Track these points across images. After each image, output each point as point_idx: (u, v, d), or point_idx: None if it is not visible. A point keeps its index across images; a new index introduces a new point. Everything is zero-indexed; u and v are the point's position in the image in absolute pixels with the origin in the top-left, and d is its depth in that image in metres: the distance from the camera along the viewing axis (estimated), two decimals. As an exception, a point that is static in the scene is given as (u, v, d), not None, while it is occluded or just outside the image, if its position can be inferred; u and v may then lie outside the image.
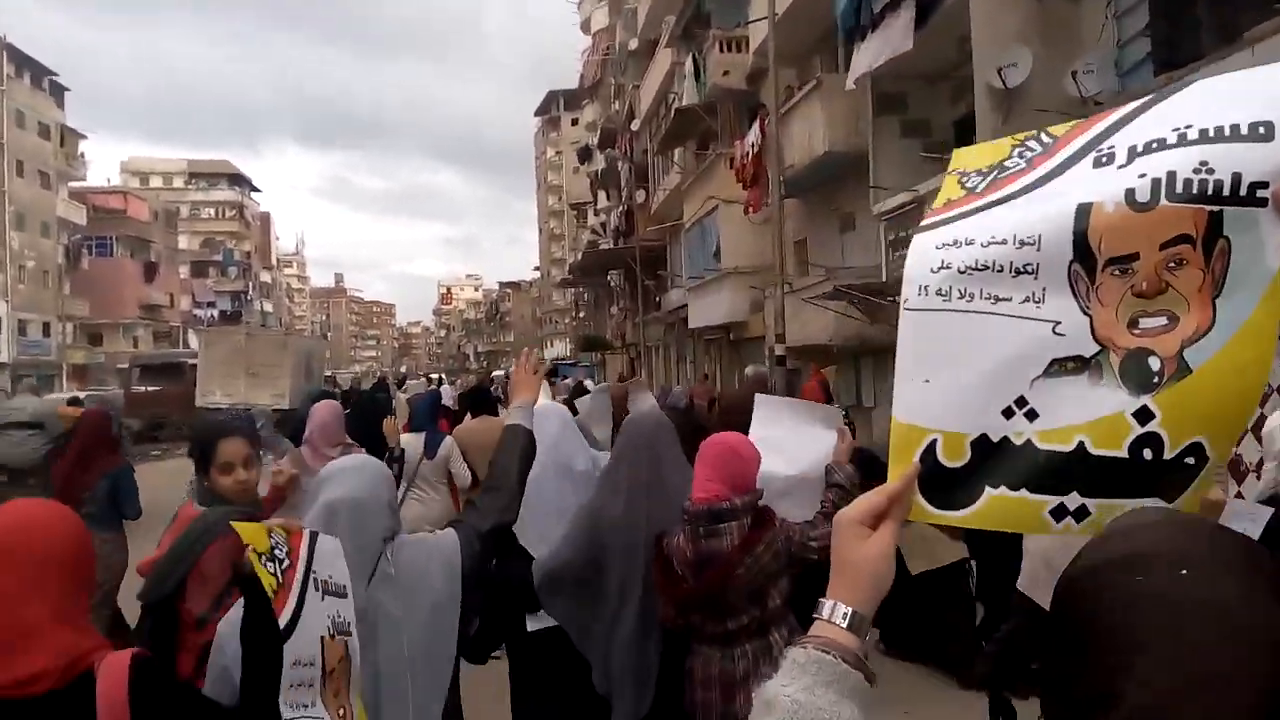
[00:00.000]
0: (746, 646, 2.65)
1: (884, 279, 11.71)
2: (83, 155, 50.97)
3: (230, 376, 21.39)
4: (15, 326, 42.45)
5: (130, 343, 53.23)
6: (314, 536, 1.67)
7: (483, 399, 6.73)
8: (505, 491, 2.34)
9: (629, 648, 2.80)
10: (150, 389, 22.88)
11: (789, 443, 3.06)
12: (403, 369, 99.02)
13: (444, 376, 36.63)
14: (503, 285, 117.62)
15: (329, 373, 42.33)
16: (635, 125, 32.13)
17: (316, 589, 1.59)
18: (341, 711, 1.61)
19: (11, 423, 6.88)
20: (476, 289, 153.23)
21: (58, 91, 48.69)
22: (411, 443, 5.62)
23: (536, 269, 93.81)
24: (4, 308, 41.62)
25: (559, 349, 73.90)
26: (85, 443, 5.33)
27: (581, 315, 62.43)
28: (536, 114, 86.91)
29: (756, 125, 16.22)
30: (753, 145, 16.38)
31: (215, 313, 67.18)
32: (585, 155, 52.75)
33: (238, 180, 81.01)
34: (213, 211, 78.91)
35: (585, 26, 52.80)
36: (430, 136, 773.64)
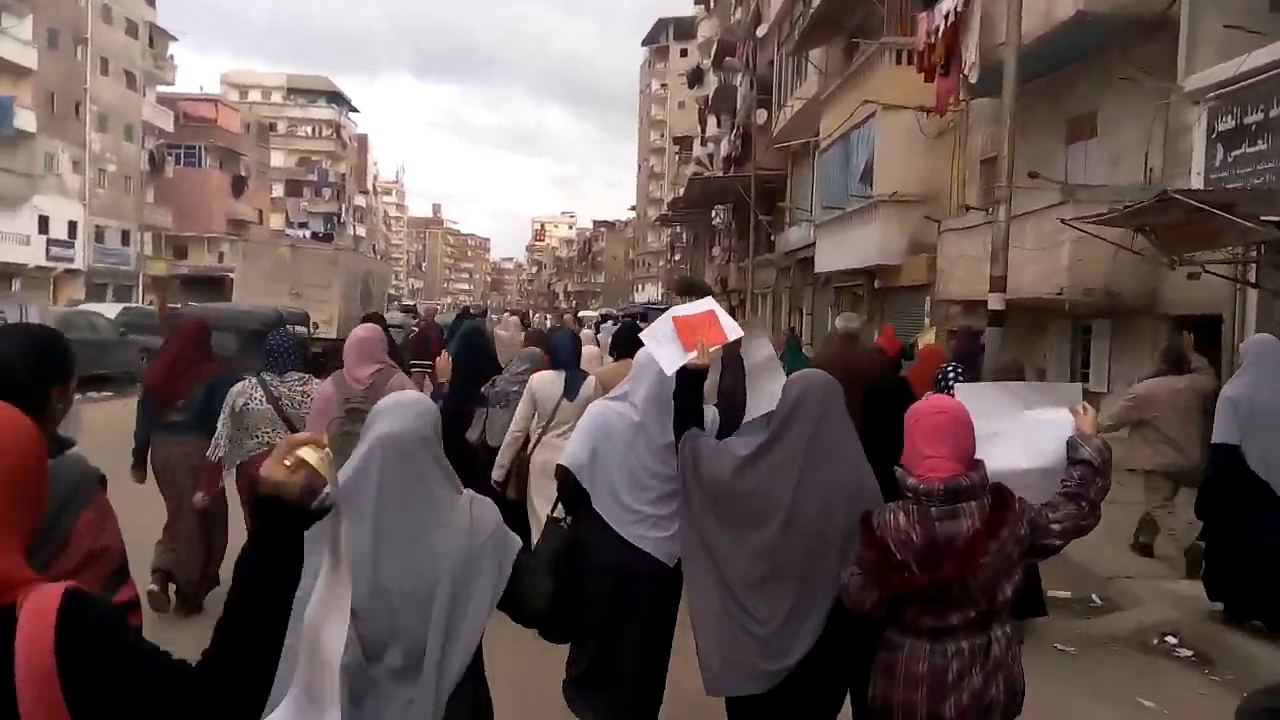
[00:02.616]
0: (963, 643, 2.30)
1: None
2: (172, 58, 48.85)
3: (271, 296, 18.14)
4: (92, 233, 40.76)
5: (216, 257, 51.65)
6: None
7: (627, 340, 6.08)
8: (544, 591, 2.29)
9: (782, 620, 2.54)
10: (187, 305, 19.98)
11: (1023, 433, 2.61)
12: (490, 303, 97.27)
13: (532, 313, 32.90)
14: (597, 224, 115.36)
15: (410, 302, 39.68)
16: (761, 31, 27.36)
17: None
18: None
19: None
20: (570, 227, 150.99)
21: (148, -12, 46.41)
22: (550, 382, 5.04)
23: (632, 208, 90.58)
24: (81, 212, 39.89)
25: (650, 293, 70.66)
26: (181, 350, 5.18)
27: (677, 258, 58.77)
28: (644, 43, 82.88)
29: (958, -15, 11.57)
30: (949, 16, 11.77)
31: (307, 233, 65.99)
32: (696, 78, 48.05)
33: (336, 98, 79.10)
34: (309, 130, 77.53)
35: (705, -66, 47.70)
36: (542, 72, 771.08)
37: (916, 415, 2.38)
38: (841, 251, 17.94)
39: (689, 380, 2.91)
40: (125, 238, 44.04)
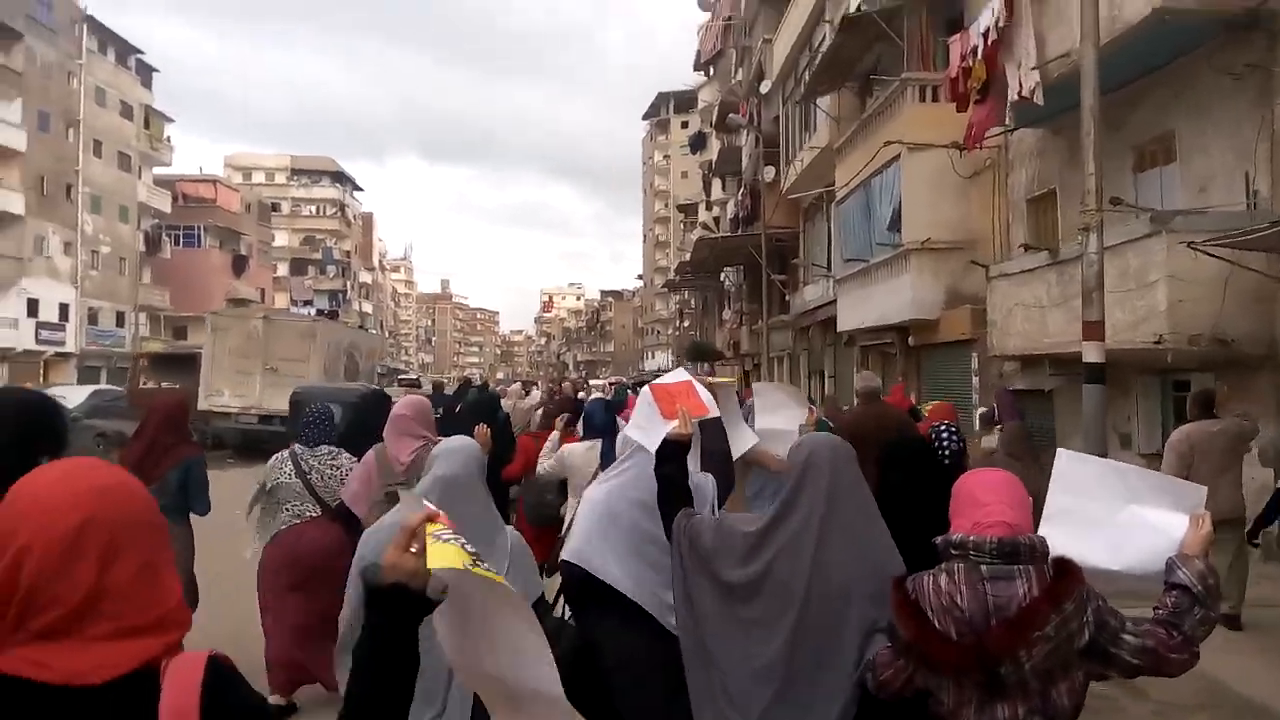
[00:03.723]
0: None
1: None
2: (169, 139, 48.55)
3: (243, 373, 16.55)
4: (85, 315, 39.68)
5: (215, 338, 50.52)
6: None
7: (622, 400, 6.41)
8: None
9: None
10: (161, 385, 18.44)
11: (1119, 529, 2.19)
12: (499, 375, 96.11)
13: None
14: (604, 294, 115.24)
15: (413, 376, 38.09)
16: (765, 88, 26.31)
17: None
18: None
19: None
20: (578, 298, 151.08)
21: (144, 71, 46.30)
22: (583, 455, 4.87)
23: (639, 277, 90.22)
24: (73, 294, 38.89)
25: (660, 360, 69.53)
26: (156, 432, 4.92)
27: (686, 325, 57.69)
28: (645, 117, 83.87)
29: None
30: (988, 35, 10.32)
31: (313, 310, 65.36)
32: (698, 143, 47.37)
33: (340, 178, 79.49)
34: (314, 209, 77.81)
35: (703, 3, 47.58)
36: (548, 153, 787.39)
37: (966, 478, 2.12)
38: (867, 307, 16.30)
39: (671, 452, 2.67)
40: (120, 319, 43.01)
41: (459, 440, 2.67)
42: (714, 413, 2.91)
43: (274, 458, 4.78)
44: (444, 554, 1.34)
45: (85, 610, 1.10)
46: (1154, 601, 2.02)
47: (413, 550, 1.31)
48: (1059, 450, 2.44)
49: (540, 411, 9.18)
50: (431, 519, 1.36)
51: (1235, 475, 6.17)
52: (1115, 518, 2.21)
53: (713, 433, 3.52)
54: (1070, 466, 2.35)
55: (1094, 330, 6.76)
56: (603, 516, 2.90)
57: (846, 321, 17.83)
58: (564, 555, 2.97)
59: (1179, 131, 9.32)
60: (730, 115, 27.25)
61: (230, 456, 16.72)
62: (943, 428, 3.59)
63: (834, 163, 18.43)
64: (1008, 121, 11.07)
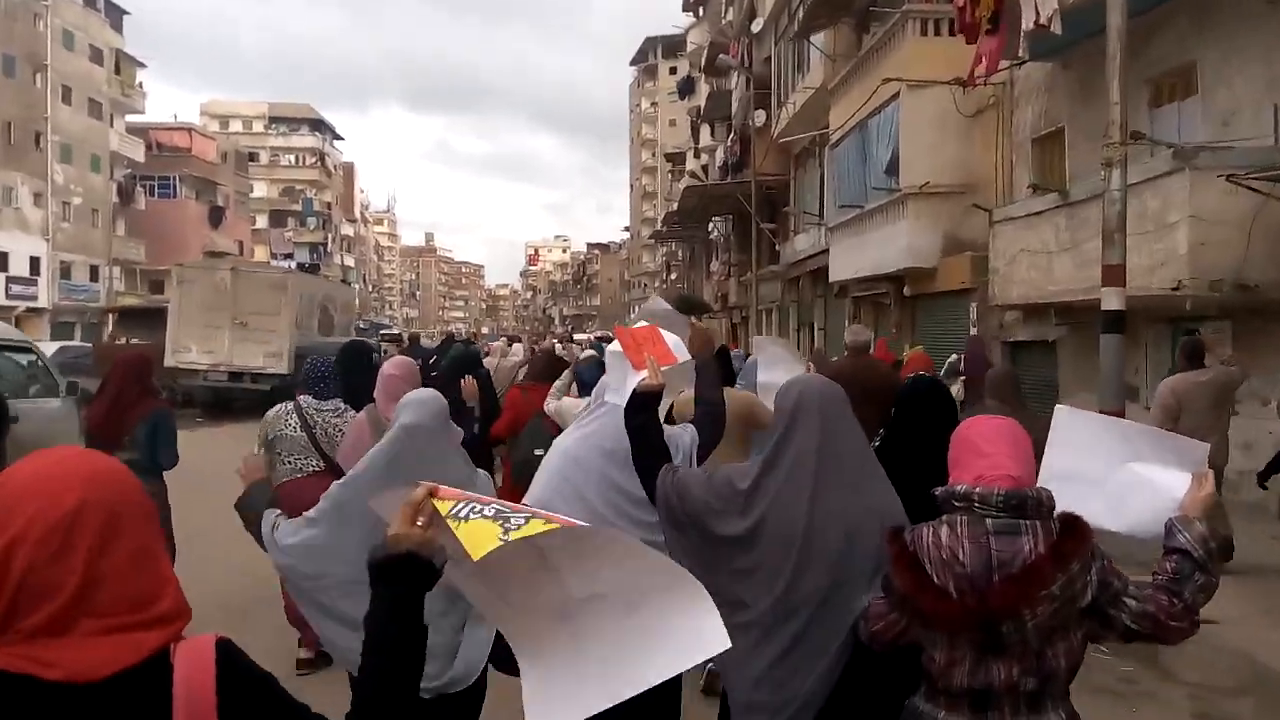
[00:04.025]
0: None
1: None
2: (140, 85, 46.97)
3: (211, 327, 15.87)
4: (57, 268, 38.63)
5: (194, 291, 49.40)
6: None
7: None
8: None
9: (776, 666, 2.16)
10: (129, 340, 17.75)
11: (1120, 487, 2.15)
12: (484, 329, 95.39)
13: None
14: (590, 246, 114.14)
15: (397, 330, 37.51)
16: (756, 26, 25.37)
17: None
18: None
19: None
20: (564, 250, 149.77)
21: (114, 13, 44.60)
22: (575, 414, 4.34)
23: (626, 229, 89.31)
24: (44, 247, 37.80)
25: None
26: (120, 386, 4.93)
27: (673, 277, 57.02)
28: (632, 63, 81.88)
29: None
30: (997, -42, 9.61)
31: (293, 264, 64.26)
32: (686, 88, 46.24)
33: (319, 126, 77.56)
34: (293, 159, 75.98)
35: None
36: (534, 101, 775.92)
37: (966, 425, 2.01)
38: (861, 256, 15.74)
39: (643, 403, 2.53)
40: (94, 273, 41.94)
41: (425, 391, 2.73)
42: (682, 359, 2.83)
43: (275, 409, 4.66)
44: (476, 537, 1.28)
45: (81, 602, 1.07)
46: (1152, 563, 1.94)
47: (419, 524, 1.33)
48: (1058, 406, 2.35)
49: (524, 369, 8.75)
50: (434, 494, 1.36)
51: (1221, 426, 6.03)
52: (1115, 476, 2.16)
53: (706, 381, 3.39)
54: (1069, 422, 2.28)
55: (1114, 275, 6.26)
56: (569, 464, 2.86)
57: (839, 271, 17.28)
58: (526, 501, 2.84)
59: (1201, 63, 8.73)
60: (720, 56, 26.37)
61: (199, 415, 16.17)
62: (918, 378, 3.65)
63: (828, 104, 17.74)
64: (1021, 53, 10.43)
